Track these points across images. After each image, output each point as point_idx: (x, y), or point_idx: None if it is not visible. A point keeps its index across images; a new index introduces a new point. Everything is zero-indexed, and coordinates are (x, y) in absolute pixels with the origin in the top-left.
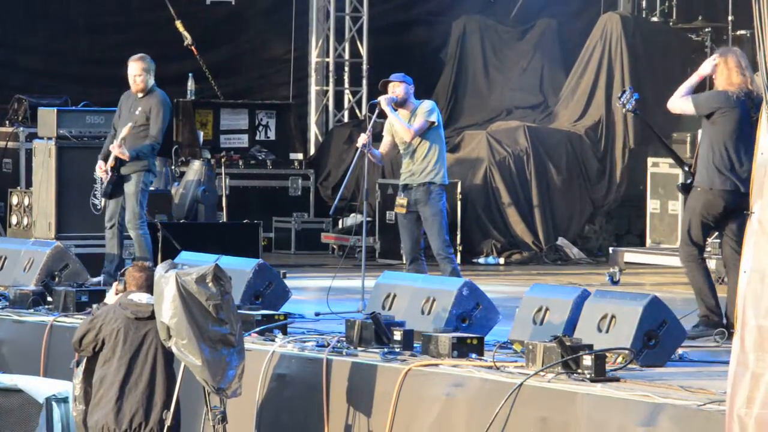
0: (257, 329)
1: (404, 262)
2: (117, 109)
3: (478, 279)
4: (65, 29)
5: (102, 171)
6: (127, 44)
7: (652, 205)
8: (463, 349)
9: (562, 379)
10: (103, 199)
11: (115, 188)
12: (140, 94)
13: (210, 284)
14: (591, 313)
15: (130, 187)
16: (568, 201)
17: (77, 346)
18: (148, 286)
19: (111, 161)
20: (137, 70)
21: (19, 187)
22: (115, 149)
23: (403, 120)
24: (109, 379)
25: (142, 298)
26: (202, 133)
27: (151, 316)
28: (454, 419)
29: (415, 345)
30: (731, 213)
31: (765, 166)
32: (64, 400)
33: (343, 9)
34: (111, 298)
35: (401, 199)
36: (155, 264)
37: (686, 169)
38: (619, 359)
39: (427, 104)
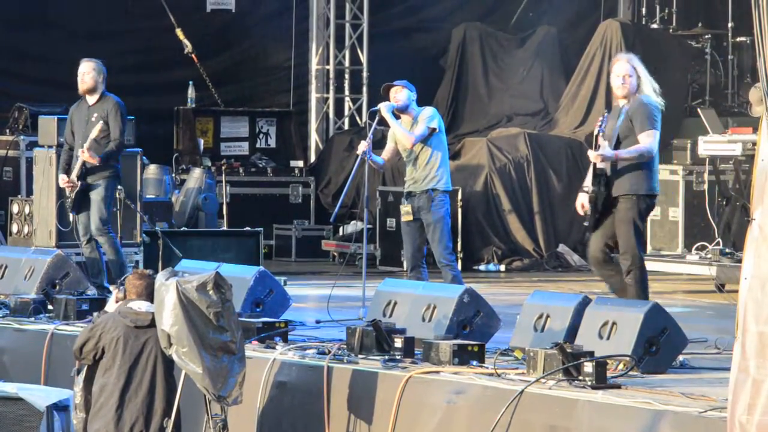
0: (258, 337)
1: (405, 269)
2: (67, 122)
3: (479, 286)
4: (65, 37)
5: (67, 183)
6: (127, 52)
7: (652, 212)
8: (464, 356)
9: (564, 386)
10: (71, 215)
11: (83, 200)
12: (91, 101)
13: (211, 292)
14: (592, 320)
15: (97, 194)
16: (568, 208)
17: (78, 354)
18: (148, 294)
19: (77, 170)
20: (86, 69)
21: (19, 196)
22: (84, 154)
23: (405, 126)
24: (109, 388)
25: (141, 306)
26: (202, 141)
27: (151, 324)
28: (455, 426)
29: (416, 352)
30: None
31: (765, 173)
32: (65, 409)
33: (343, 16)
34: (111, 306)
35: (405, 207)
36: (156, 272)
37: (594, 188)
38: (620, 366)
39: (428, 111)
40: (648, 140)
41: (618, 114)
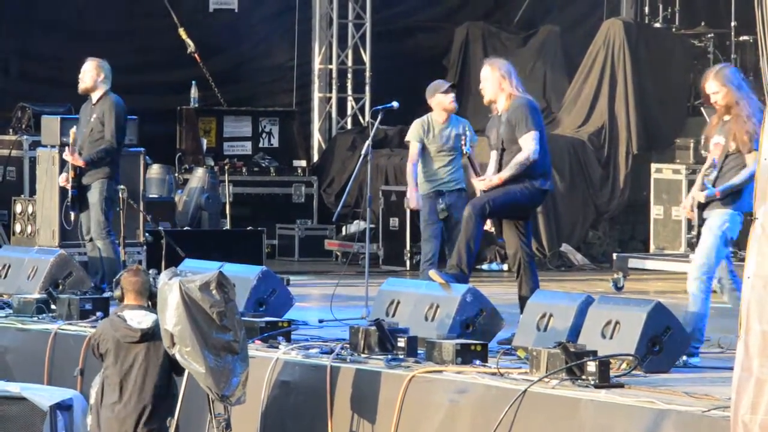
0: (261, 336)
1: (426, 262)
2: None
3: (482, 285)
4: (68, 37)
5: (64, 182)
6: (130, 52)
7: (655, 211)
8: (467, 355)
9: (567, 386)
10: (72, 213)
11: (82, 199)
12: (94, 100)
13: (214, 291)
14: (595, 319)
15: (93, 197)
16: (571, 207)
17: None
18: (145, 291)
19: (71, 171)
20: (86, 68)
21: (22, 195)
22: (67, 155)
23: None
24: (107, 400)
25: (134, 317)
26: (205, 141)
27: (141, 340)
28: (458, 426)
29: (418, 351)
30: None
31: (767, 172)
32: (69, 408)
33: (346, 16)
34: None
35: (441, 205)
36: (159, 272)
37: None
38: (624, 365)
39: (464, 122)
40: (527, 144)
41: (497, 119)
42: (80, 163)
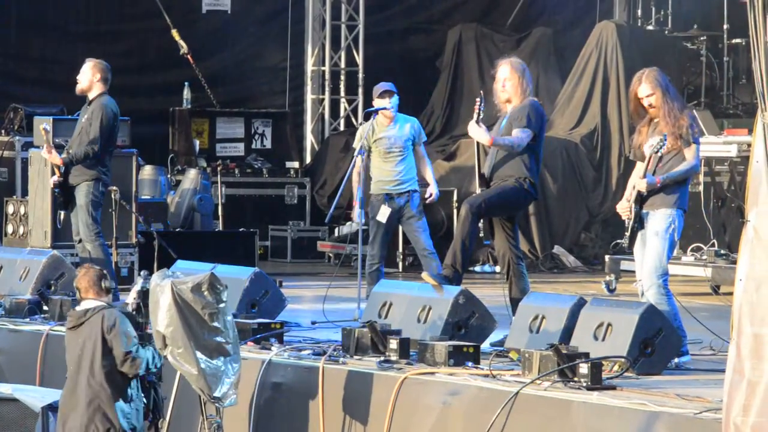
0: (253, 338)
1: (372, 265)
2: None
3: (475, 287)
4: (61, 38)
5: (53, 182)
6: (123, 53)
7: None
8: (459, 357)
9: (559, 388)
10: (62, 213)
11: (70, 199)
12: (87, 101)
13: (206, 293)
14: (587, 321)
15: (79, 199)
16: (564, 209)
17: None
18: (97, 283)
19: (57, 171)
20: (83, 68)
21: (15, 196)
22: (44, 153)
23: (384, 126)
24: (64, 394)
25: (83, 306)
26: (198, 142)
27: (83, 324)
28: (450, 428)
29: (411, 353)
30: None
31: (759, 175)
32: None
33: (339, 18)
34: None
35: (386, 210)
36: (151, 273)
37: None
38: (616, 367)
39: (412, 120)
40: (518, 134)
41: (503, 118)
42: (57, 161)
